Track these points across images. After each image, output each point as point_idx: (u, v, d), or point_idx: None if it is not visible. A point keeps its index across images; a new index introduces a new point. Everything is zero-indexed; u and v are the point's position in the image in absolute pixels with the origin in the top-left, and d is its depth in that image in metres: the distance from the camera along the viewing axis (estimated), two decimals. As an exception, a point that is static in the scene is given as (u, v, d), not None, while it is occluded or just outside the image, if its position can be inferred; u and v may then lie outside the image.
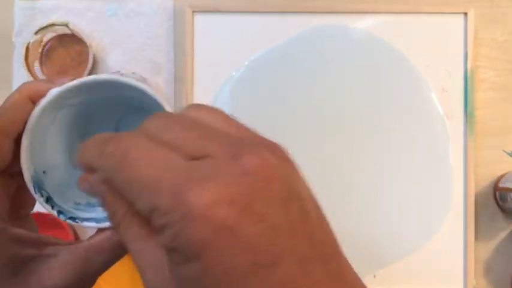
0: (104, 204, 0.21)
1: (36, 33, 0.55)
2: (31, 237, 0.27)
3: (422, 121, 0.56)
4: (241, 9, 0.57)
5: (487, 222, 0.57)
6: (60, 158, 0.32)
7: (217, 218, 0.17)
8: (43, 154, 0.30)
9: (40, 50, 0.58)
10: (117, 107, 0.32)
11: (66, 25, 0.55)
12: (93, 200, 0.31)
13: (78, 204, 0.31)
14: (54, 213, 0.29)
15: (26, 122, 0.27)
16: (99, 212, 0.30)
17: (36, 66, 0.57)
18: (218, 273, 0.17)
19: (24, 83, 0.28)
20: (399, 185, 0.56)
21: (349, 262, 0.20)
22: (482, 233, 0.57)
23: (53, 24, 0.55)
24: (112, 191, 0.20)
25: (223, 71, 0.57)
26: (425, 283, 0.56)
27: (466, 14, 0.57)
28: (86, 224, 0.29)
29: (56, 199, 0.30)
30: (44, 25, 0.55)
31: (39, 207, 0.31)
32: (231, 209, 0.17)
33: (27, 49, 0.55)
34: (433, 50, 0.57)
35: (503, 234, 0.57)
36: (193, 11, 0.57)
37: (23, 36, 0.58)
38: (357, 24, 0.57)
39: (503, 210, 0.57)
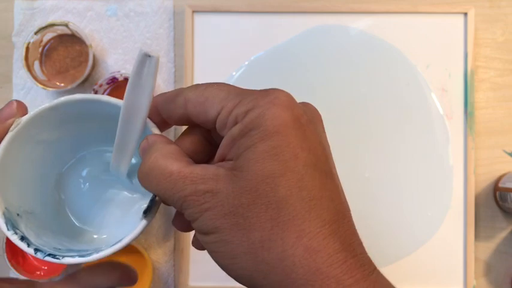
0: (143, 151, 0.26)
1: (36, 33, 0.55)
2: None
3: (422, 121, 0.56)
4: (241, 9, 0.57)
5: (487, 222, 0.57)
6: (37, 203, 0.31)
7: (295, 112, 0.23)
8: (16, 196, 0.28)
9: (40, 50, 0.58)
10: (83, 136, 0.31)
11: (66, 25, 0.55)
12: (74, 247, 0.30)
13: (59, 250, 0.28)
14: (31, 251, 0.27)
15: None
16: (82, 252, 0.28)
17: (36, 66, 0.57)
18: (289, 152, 0.22)
19: None
20: (399, 185, 0.56)
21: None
22: (482, 233, 0.57)
23: (52, 24, 0.55)
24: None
25: (223, 70, 0.57)
26: (425, 283, 0.56)
27: (466, 14, 0.57)
28: (67, 260, 0.26)
29: (32, 240, 0.28)
30: (44, 25, 0.55)
31: None
32: (303, 111, 0.23)
33: (27, 49, 0.55)
34: (433, 50, 0.57)
35: (503, 234, 0.57)
36: (193, 11, 0.57)
37: (23, 36, 0.58)
38: (357, 24, 0.57)
39: (503, 210, 0.57)
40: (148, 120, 0.27)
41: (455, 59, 0.57)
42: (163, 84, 0.58)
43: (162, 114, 0.27)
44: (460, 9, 0.57)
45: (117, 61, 0.59)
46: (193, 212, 0.23)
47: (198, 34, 0.57)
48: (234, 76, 0.57)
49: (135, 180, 0.31)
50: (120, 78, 0.56)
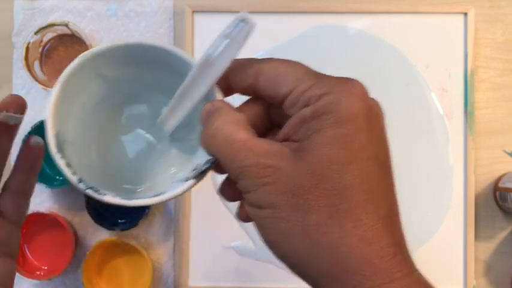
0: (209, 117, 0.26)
1: (36, 33, 0.55)
2: None
3: (422, 121, 0.56)
4: (241, 9, 0.57)
5: (487, 222, 0.57)
6: (81, 136, 0.30)
7: (368, 104, 0.23)
8: (66, 123, 0.28)
9: (40, 50, 0.58)
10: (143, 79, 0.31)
11: (66, 25, 0.55)
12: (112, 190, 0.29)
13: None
14: (74, 180, 0.26)
15: None
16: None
17: (36, 66, 0.57)
18: (358, 143, 0.22)
19: None
20: (399, 185, 0.56)
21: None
22: (482, 233, 0.57)
23: (52, 24, 0.55)
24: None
25: (223, 71, 0.57)
26: (425, 283, 0.56)
27: (466, 14, 0.57)
28: (107, 198, 0.27)
29: (74, 166, 0.27)
30: (44, 25, 0.55)
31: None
32: (376, 104, 0.24)
33: (27, 49, 0.55)
34: (433, 50, 0.57)
35: (503, 234, 0.57)
36: (193, 11, 0.57)
37: (23, 36, 0.58)
38: (357, 24, 0.57)
39: (503, 210, 0.57)
40: (214, 85, 0.27)
41: (455, 59, 0.57)
42: (163, 84, 0.58)
43: (230, 80, 0.27)
44: (460, 9, 0.57)
45: (117, 61, 0.59)
46: (250, 183, 0.23)
47: (198, 34, 0.57)
48: (234, 76, 0.57)
49: (175, 142, 0.31)
50: (120, 78, 0.56)
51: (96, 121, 0.31)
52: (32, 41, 0.55)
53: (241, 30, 0.25)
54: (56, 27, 0.56)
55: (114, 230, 0.55)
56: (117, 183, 0.32)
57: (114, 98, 0.31)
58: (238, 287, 0.55)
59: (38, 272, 0.56)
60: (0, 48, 0.59)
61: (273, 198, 0.22)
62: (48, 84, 0.56)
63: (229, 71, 0.26)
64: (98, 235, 0.57)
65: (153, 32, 0.59)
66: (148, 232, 0.57)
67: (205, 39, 0.57)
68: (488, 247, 0.57)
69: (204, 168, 0.26)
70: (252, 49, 0.57)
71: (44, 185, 0.54)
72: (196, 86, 0.27)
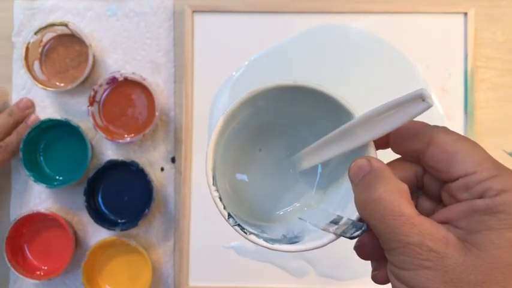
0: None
1: (35, 33, 0.55)
2: None
3: (422, 121, 0.56)
4: (241, 9, 0.57)
5: (487, 222, 0.57)
6: (222, 167, 0.31)
7: None
8: (217, 154, 0.28)
9: (40, 50, 0.58)
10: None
11: (66, 25, 0.55)
12: (248, 220, 0.30)
13: (243, 220, 0.29)
14: (225, 214, 0.27)
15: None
16: (257, 232, 0.29)
17: (36, 66, 0.57)
18: None
19: None
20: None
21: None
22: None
23: (52, 24, 0.55)
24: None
25: (223, 70, 0.57)
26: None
27: (466, 14, 0.57)
28: (252, 238, 0.27)
29: (223, 201, 0.28)
30: (44, 25, 0.55)
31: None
32: None
33: (27, 49, 0.55)
34: (433, 50, 0.57)
35: (503, 234, 0.57)
36: (193, 11, 0.57)
37: (23, 36, 0.58)
38: (357, 24, 0.57)
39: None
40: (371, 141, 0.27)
41: (455, 59, 0.57)
42: (163, 84, 0.58)
43: (395, 136, 0.26)
44: (460, 9, 0.57)
45: (117, 61, 0.59)
46: (408, 261, 0.22)
47: (198, 34, 0.57)
48: (234, 76, 0.57)
49: (302, 178, 0.32)
50: (120, 78, 0.56)
51: (234, 148, 0.32)
52: (31, 41, 0.55)
53: (417, 107, 0.23)
54: (55, 27, 0.56)
55: (114, 230, 0.55)
56: (244, 211, 0.32)
57: (257, 123, 0.32)
58: (238, 287, 0.55)
59: (38, 272, 0.56)
60: (0, 48, 0.59)
61: (431, 284, 0.22)
62: (47, 84, 0.56)
63: (398, 128, 0.25)
64: (98, 235, 0.57)
65: (153, 32, 0.59)
66: (148, 232, 0.58)
67: (205, 39, 0.57)
68: (488, 247, 0.57)
69: (354, 235, 0.26)
70: (252, 49, 0.57)
71: (44, 185, 0.54)
72: (350, 138, 0.27)
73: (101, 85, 0.55)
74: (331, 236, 0.27)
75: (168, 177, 0.58)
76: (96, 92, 0.55)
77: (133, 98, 0.57)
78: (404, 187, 0.24)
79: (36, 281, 0.56)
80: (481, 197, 0.22)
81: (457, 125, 0.56)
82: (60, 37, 0.58)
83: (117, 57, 0.59)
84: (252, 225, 0.30)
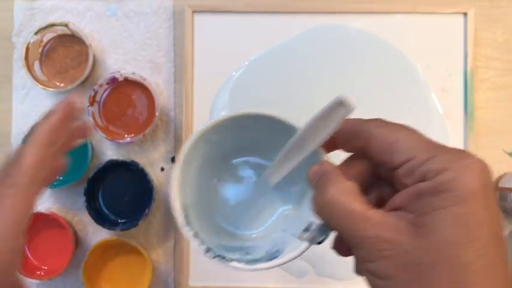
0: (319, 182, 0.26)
1: (36, 33, 0.55)
2: None
3: (422, 121, 0.56)
4: (241, 10, 0.57)
5: (487, 222, 0.57)
6: (196, 197, 0.32)
7: (487, 181, 0.23)
8: (185, 189, 0.30)
9: (40, 50, 0.58)
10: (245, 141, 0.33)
11: (66, 25, 0.55)
12: (229, 244, 0.31)
13: (217, 246, 0.30)
14: (202, 249, 0.28)
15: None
16: (240, 256, 0.30)
17: (36, 66, 0.57)
18: (477, 221, 0.22)
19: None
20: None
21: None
22: (482, 233, 0.57)
23: (52, 25, 0.55)
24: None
25: (223, 70, 0.57)
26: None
27: (466, 14, 0.57)
28: (234, 264, 0.28)
29: (201, 235, 0.29)
30: (44, 25, 0.55)
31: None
32: (491, 177, 0.23)
33: (27, 49, 0.55)
34: (433, 50, 0.57)
35: (503, 234, 0.57)
36: (193, 11, 0.57)
37: (23, 36, 0.58)
38: (357, 24, 0.57)
39: (503, 210, 0.57)
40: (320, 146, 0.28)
41: (455, 59, 0.57)
42: (163, 84, 0.58)
43: (339, 140, 0.28)
44: (460, 9, 0.57)
45: (117, 61, 0.59)
46: (368, 254, 0.24)
47: (198, 34, 0.57)
48: (234, 76, 0.57)
49: (277, 191, 0.34)
50: (120, 79, 0.56)
51: (203, 179, 0.33)
52: (32, 41, 0.55)
53: (340, 112, 0.25)
54: (55, 27, 0.56)
55: (114, 230, 0.55)
56: (227, 237, 0.34)
57: (218, 154, 0.33)
58: (238, 287, 0.55)
59: (38, 272, 0.56)
60: (0, 48, 0.59)
61: (392, 271, 0.23)
62: (48, 84, 0.56)
63: (338, 131, 0.26)
64: (98, 235, 0.57)
65: (153, 32, 0.59)
66: (149, 232, 0.58)
67: (205, 39, 0.57)
68: (488, 247, 0.57)
69: (320, 240, 0.28)
70: (252, 49, 0.57)
71: (44, 185, 0.54)
72: (301, 148, 0.28)
73: (101, 85, 0.55)
74: (305, 244, 0.28)
75: (168, 177, 0.58)
76: (96, 92, 0.55)
77: (134, 98, 0.57)
78: (352, 185, 0.25)
79: (36, 281, 0.56)
80: (423, 179, 0.23)
81: (457, 125, 0.56)
82: (60, 37, 0.58)
83: (117, 57, 0.59)
84: (237, 249, 0.31)
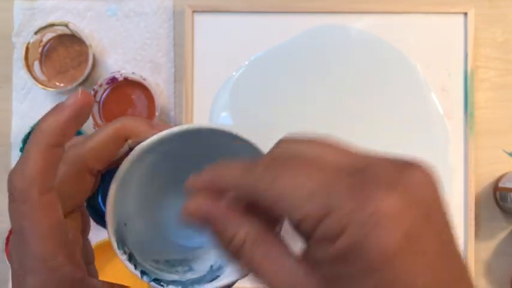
0: (220, 227, 0.21)
1: (35, 33, 0.55)
2: None
3: (422, 121, 0.56)
4: (241, 9, 0.57)
5: (487, 222, 0.57)
6: (137, 208, 0.30)
7: (408, 226, 0.17)
8: (124, 204, 0.27)
9: (40, 50, 0.58)
10: (197, 155, 0.30)
11: (66, 25, 0.55)
12: (172, 257, 0.30)
13: (157, 262, 0.29)
14: (137, 273, 0.27)
15: (110, 161, 0.25)
16: (181, 274, 0.28)
17: (36, 66, 0.57)
18: (405, 280, 0.16)
19: (126, 120, 0.25)
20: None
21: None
22: (482, 233, 0.57)
23: (52, 24, 0.55)
24: (235, 211, 0.20)
25: (223, 71, 0.57)
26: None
27: (466, 14, 0.57)
28: (171, 287, 0.27)
29: (136, 256, 0.27)
30: (44, 25, 0.55)
31: None
32: (417, 214, 0.17)
33: (27, 49, 0.55)
34: (433, 50, 0.57)
35: (503, 234, 0.57)
36: (193, 11, 0.57)
37: (23, 36, 0.58)
38: (357, 24, 0.57)
39: (503, 210, 0.57)
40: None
41: (455, 59, 0.57)
42: (163, 84, 0.58)
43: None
44: (460, 9, 0.57)
45: (117, 61, 0.59)
46: None
47: (198, 34, 0.57)
48: (234, 76, 0.57)
49: None
50: (120, 78, 0.56)
51: (148, 192, 0.31)
52: (31, 41, 0.55)
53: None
54: (55, 27, 0.56)
55: (114, 230, 0.54)
56: (171, 249, 0.32)
57: (164, 163, 0.31)
58: (238, 287, 0.55)
59: (38, 272, 0.56)
60: (0, 48, 0.59)
61: None
62: (47, 84, 0.56)
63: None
64: (98, 235, 0.57)
65: (152, 32, 0.59)
66: (148, 232, 0.57)
67: (205, 39, 0.57)
68: (488, 247, 0.57)
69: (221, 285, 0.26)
70: (252, 49, 0.57)
71: (44, 185, 0.54)
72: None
73: (101, 85, 0.55)
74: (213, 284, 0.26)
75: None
76: (96, 92, 0.55)
77: (134, 98, 0.57)
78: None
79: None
80: (324, 242, 0.18)
81: (457, 125, 0.56)
82: (60, 37, 0.58)
83: (117, 57, 0.59)
84: (181, 263, 0.29)
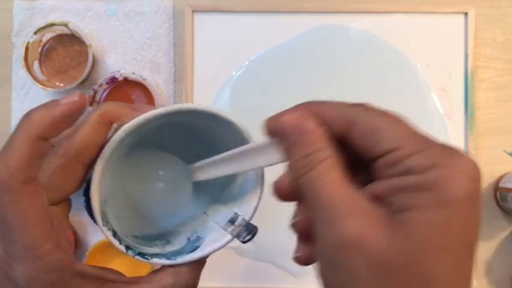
0: (307, 141, 0.23)
1: (35, 33, 0.55)
2: (94, 273, 0.26)
3: (422, 121, 0.56)
4: (241, 9, 0.57)
5: (487, 222, 0.57)
6: (115, 185, 0.30)
7: (478, 186, 0.20)
8: (105, 181, 0.28)
9: (39, 50, 0.57)
10: (180, 135, 0.31)
11: (66, 25, 0.55)
12: (149, 233, 0.30)
13: (136, 237, 0.29)
14: (122, 248, 0.27)
15: (100, 147, 0.26)
16: (160, 247, 0.29)
17: (36, 66, 0.57)
18: (459, 229, 0.20)
19: (107, 106, 0.26)
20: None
21: None
22: (482, 233, 0.57)
23: (52, 24, 0.55)
24: (327, 136, 0.23)
25: (223, 71, 0.57)
26: (426, 283, 0.56)
27: (466, 14, 0.57)
28: (155, 260, 0.27)
29: (119, 233, 0.28)
30: (44, 25, 0.55)
31: None
32: (480, 183, 0.21)
33: (26, 49, 0.55)
34: (433, 50, 0.57)
35: (503, 234, 0.57)
36: (193, 11, 0.57)
37: (23, 36, 0.58)
38: (357, 24, 0.57)
39: (503, 210, 0.57)
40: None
41: (456, 59, 0.57)
42: (163, 84, 0.58)
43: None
44: (460, 9, 0.57)
45: (116, 61, 0.59)
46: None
47: (198, 34, 0.57)
48: (234, 76, 0.57)
49: (201, 187, 0.32)
50: (120, 78, 0.56)
51: (122, 171, 0.32)
52: (31, 41, 0.55)
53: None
54: (55, 27, 0.56)
55: (113, 230, 0.54)
56: (148, 225, 0.32)
57: (144, 143, 0.31)
58: (238, 287, 0.55)
59: (38, 273, 0.55)
60: (0, 48, 0.59)
61: (357, 267, 0.21)
62: (47, 84, 0.56)
63: (320, 115, 0.24)
64: (98, 235, 0.57)
65: (153, 32, 0.59)
66: (148, 232, 0.57)
67: (205, 39, 0.57)
68: (488, 247, 0.57)
69: (246, 239, 0.27)
70: (252, 49, 0.57)
71: (44, 185, 0.54)
72: (236, 165, 0.27)
73: (100, 85, 0.55)
74: (229, 237, 0.27)
75: (168, 177, 0.58)
76: (96, 92, 0.55)
77: (133, 98, 0.57)
78: (337, 160, 0.23)
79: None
80: (407, 173, 0.21)
81: (457, 125, 0.56)
82: (60, 37, 0.58)
83: (117, 57, 0.59)
84: (158, 237, 0.30)
